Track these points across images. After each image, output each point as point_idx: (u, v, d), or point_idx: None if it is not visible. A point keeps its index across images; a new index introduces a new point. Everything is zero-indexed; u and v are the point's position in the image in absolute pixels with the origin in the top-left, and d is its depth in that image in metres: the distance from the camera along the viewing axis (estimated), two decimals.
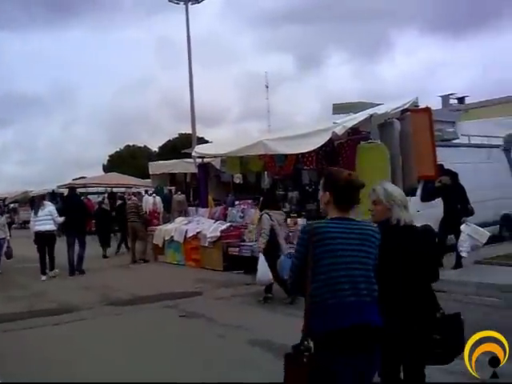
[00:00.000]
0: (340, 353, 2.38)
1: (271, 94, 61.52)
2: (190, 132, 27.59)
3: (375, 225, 2.77)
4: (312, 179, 14.41)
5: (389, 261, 2.75)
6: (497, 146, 12.62)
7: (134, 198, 14.58)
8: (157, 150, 48.15)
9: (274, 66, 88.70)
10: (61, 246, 11.72)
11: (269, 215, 7.77)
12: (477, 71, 78.42)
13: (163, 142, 47.75)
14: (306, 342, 2.39)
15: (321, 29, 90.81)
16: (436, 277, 3.14)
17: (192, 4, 26.91)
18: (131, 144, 51.47)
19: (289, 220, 10.02)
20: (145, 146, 51.35)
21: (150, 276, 11.11)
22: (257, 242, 8.56)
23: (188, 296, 8.57)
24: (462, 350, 3.10)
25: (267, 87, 38.35)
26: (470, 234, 8.49)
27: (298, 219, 10.46)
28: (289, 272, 2.72)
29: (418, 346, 2.91)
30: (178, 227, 12.81)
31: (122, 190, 22.82)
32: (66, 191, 26.14)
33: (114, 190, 23.26)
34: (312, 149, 10.45)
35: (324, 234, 2.48)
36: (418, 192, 10.17)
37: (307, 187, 13.51)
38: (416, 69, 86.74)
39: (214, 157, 14.62)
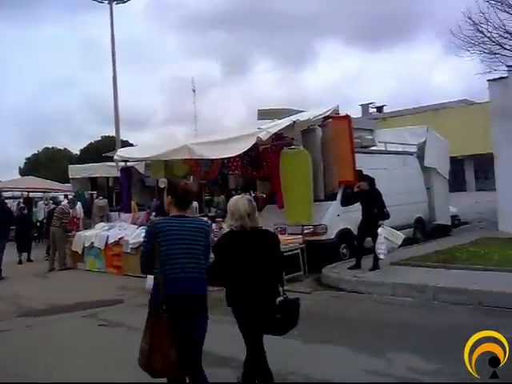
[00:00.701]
0: (177, 311, 3.26)
1: (198, 99, 61.27)
2: (114, 135, 26.81)
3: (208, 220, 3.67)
4: (238, 184, 14.50)
5: (229, 256, 3.67)
6: (411, 153, 13.35)
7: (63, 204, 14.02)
8: (78, 153, 46.43)
9: (201, 71, 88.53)
10: None
11: None
12: (394, 82, 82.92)
13: (85, 145, 46.17)
14: (163, 306, 3.23)
15: (247, 36, 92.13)
16: (278, 269, 3.90)
17: (117, 3, 26.16)
18: (50, 146, 49.46)
19: (214, 225, 9.96)
20: (65, 149, 49.49)
21: (69, 284, 10.60)
22: None
23: (108, 304, 8.24)
24: (295, 325, 3.81)
25: (194, 91, 38.20)
26: (387, 236, 8.83)
27: (224, 223, 10.44)
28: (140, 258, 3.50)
29: (261, 322, 3.71)
30: (98, 233, 12.38)
31: (40, 194, 21.73)
32: None
33: (31, 194, 22.14)
34: (237, 153, 10.51)
35: (162, 228, 3.38)
36: (339, 197, 10.53)
37: (234, 192, 13.55)
38: (339, 78, 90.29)
39: (138, 161, 14.30)
